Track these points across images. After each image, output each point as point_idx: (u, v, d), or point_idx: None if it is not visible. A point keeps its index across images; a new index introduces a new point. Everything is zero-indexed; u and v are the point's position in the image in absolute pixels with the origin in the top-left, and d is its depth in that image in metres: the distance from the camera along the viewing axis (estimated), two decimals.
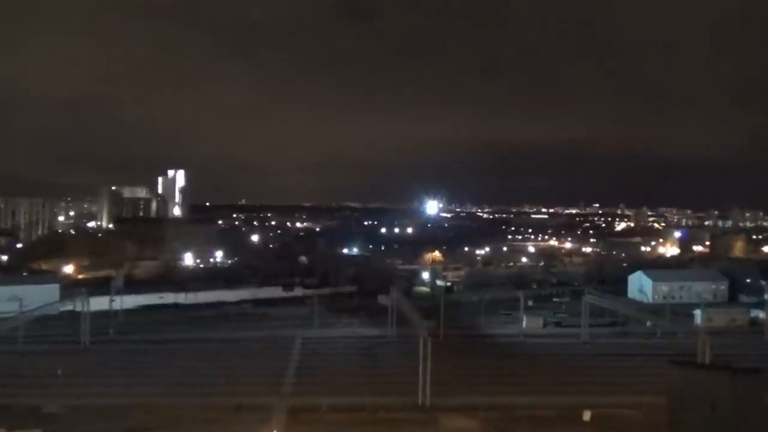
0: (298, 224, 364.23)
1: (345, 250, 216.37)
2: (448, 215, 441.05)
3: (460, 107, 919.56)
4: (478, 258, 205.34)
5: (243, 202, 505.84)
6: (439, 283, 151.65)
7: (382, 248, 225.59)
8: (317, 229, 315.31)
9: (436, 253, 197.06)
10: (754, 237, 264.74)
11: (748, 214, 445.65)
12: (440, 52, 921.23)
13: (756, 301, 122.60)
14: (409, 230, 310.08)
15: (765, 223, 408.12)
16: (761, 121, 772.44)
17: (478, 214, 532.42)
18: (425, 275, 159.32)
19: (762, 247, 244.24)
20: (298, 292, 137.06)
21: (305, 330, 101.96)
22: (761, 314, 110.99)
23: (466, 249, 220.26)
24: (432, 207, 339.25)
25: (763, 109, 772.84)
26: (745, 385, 51.94)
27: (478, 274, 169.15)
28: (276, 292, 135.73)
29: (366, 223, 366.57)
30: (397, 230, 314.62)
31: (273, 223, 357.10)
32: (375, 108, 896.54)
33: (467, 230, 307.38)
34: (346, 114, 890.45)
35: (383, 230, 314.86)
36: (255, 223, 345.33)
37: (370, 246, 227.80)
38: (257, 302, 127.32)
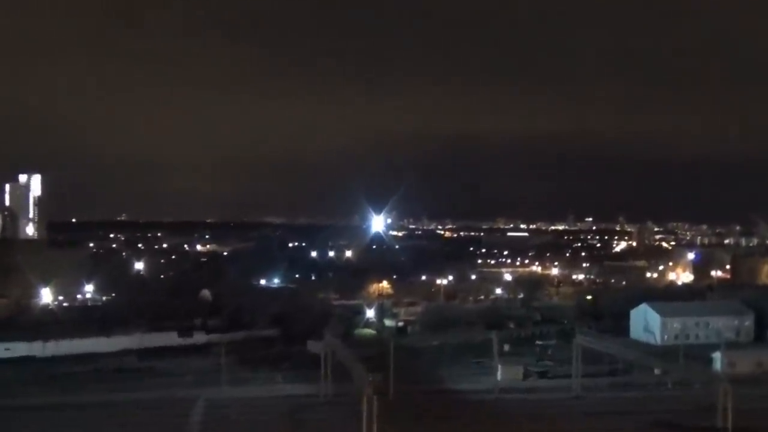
0: (199, 247, 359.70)
1: (263, 281, 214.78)
2: (400, 234, 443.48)
3: (416, 92, 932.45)
4: (440, 289, 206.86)
5: (123, 217, 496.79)
6: (388, 323, 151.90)
7: (313, 278, 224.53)
8: (225, 254, 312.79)
9: (384, 284, 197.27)
10: None
11: None
12: (399, 26, 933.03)
13: None
14: (349, 254, 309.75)
15: None
16: None
17: (438, 231, 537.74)
18: (370, 313, 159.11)
19: None
20: (200, 338, 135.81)
21: (209, 389, 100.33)
22: None
23: (424, 278, 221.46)
24: (378, 223, 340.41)
25: None
26: None
27: (440, 311, 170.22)
28: (169, 338, 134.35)
29: (292, 244, 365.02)
30: (332, 254, 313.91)
31: (165, 245, 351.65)
32: (304, 90, 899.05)
33: (425, 253, 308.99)
34: (263, 99, 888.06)
35: (314, 254, 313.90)
36: (140, 245, 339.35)
37: (297, 275, 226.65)
38: (144, 353, 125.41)
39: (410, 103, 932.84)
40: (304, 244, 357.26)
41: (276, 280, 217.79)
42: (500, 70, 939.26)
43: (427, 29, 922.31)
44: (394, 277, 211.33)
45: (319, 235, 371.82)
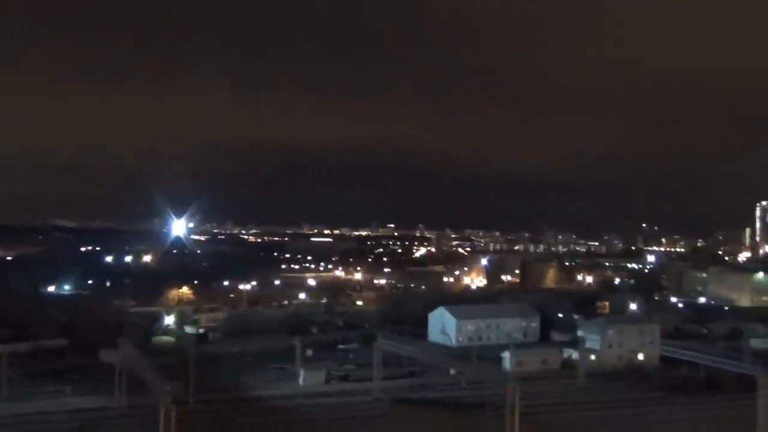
0: None
1: (52, 288, 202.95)
2: (202, 238, 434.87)
3: (222, 98, 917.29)
4: (242, 295, 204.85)
5: None
6: (188, 330, 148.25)
7: (108, 284, 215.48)
8: (9, 258, 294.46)
9: (185, 290, 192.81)
10: (567, 264, 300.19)
11: (560, 237, 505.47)
12: (203, 30, 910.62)
13: (569, 339, 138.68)
14: (147, 259, 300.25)
15: (578, 248, 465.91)
16: (576, 139, 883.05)
17: (242, 237, 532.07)
18: (169, 320, 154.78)
19: (575, 274, 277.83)
20: None
21: None
22: (575, 354, 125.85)
23: (226, 284, 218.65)
24: (179, 227, 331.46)
25: (578, 126, 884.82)
26: (468, 421, 72.03)
27: (242, 317, 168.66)
28: None
29: (85, 249, 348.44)
30: (129, 259, 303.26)
31: None
32: (103, 92, 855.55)
33: (228, 258, 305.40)
34: (50, 89, 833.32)
35: (109, 259, 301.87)
36: None
37: (90, 281, 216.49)
38: None
39: (215, 108, 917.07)
40: (98, 249, 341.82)
41: (67, 287, 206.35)
42: (310, 80, 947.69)
43: (231, 33, 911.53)
44: (195, 282, 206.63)
45: (116, 239, 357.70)
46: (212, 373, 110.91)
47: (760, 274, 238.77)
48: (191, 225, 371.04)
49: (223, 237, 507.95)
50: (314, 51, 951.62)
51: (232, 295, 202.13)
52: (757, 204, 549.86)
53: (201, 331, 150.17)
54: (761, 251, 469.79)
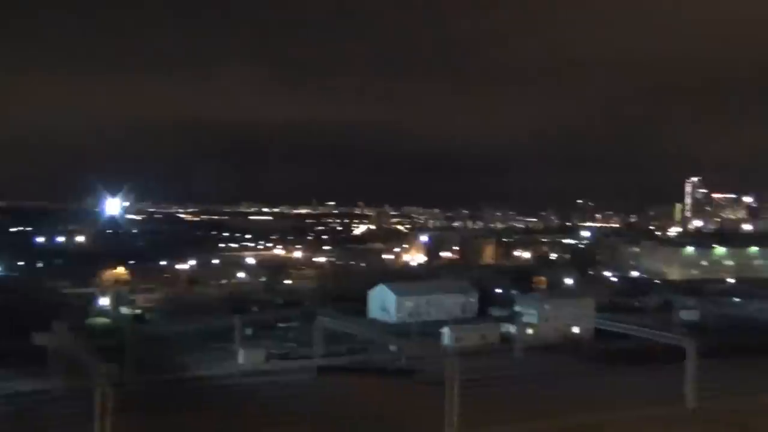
0: None
1: None
2: (138, 218, 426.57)
3: (162, 75, 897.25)
4: (181, 274, 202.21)
5: None
6: (124, 311, 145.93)
7: (40, 265, 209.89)
8: None
9: (120, 270, 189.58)
10: (505, 240, 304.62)
11: (499, 214, 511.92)
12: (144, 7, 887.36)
13: (507, 314, 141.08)
14: (81, 239, 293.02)
15: (516, 224, 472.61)
16: (514, 116, 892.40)
17: (180, 215, 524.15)
18: (104, 301, 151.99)
19: (513, 251, 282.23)
20: None
21: None
22: (512, 329, 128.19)
23: (164, 263, 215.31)
24: (114, 206, 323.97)
25: (516, 103, 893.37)
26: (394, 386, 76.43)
27: (181, 298, 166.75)
28: None
29: (14, 229, 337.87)
30: (62, 239, 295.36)
31: None
32: (23, 60, 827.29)
33: (165, 238, 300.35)
34: None
35: (41, 239, 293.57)
36: None
37: (22, 262, 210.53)
38: None
39: (152, 85, 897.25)
40: (30, 229, 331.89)
41: None
42: (248, 58, 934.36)
43: (170, 9, 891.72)
44: (132, 262, 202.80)
45: (48, 219, 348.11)
46: (149, 354, 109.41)
47: (690, 248, 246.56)
48: (127, 204, 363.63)
49: (160, 216, 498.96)
50: (251, 28, 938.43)
51: (169, 275, 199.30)
52: (686, 180, 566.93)
53: (137, 311, 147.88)
54: (691, 226, 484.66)
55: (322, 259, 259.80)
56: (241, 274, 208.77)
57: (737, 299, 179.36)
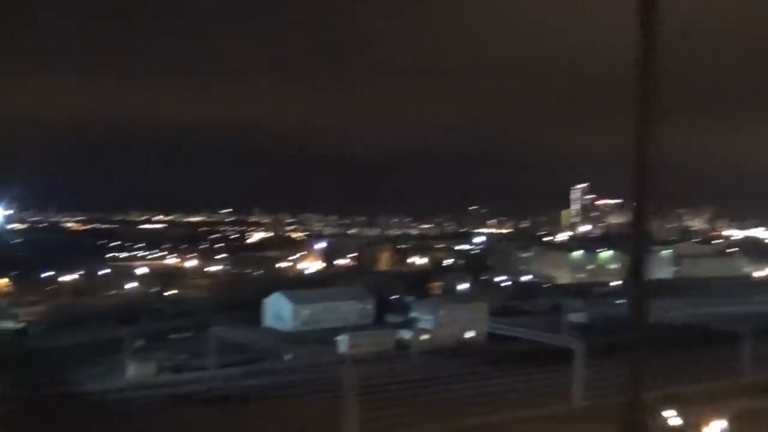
0: None
1: None
2: (22, 227, 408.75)
3: (40, 73, 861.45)
4: (67, 285, 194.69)
5: None
6: (5, 325, 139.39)
7: None
8: None
9: (1, 283, 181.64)
10: (401, 246, 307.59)
11: (395, 220, 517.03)
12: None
13: (403, 320, 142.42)
14: None
15: (412, 231, 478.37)
16: (409, 122, 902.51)
17: (66, 224, 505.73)
18: None
19: (409, 257, 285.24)
20: None
21: None
22: (408, 335, 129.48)
23: (49, 274, 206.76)
24: None
25: (412, 108, 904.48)
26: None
27: (67, 309, 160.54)
28: None
29: None
30: None
31: None
32: None
33: (50, 248, 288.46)
34: None
35: None
36: None
37: None
38: None
39: (41, 84, 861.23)
40: None
41: None
42: (144, 61, 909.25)
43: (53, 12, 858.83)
44: (14, 274, 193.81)
45: None
46: (33, 369, 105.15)
47: (577, 252, 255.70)
48: (8, 212, 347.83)
49: (46, 225, 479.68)
50: (140, 22, 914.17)
51: (54, 287, 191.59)
52: (573, 187, 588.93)
53: (20, 325, 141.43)
54: (578, 231, 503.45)
55: (216, 268, 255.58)
56: (131, 285, 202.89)
57: (621, 301, 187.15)
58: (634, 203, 19.48)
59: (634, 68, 19.09)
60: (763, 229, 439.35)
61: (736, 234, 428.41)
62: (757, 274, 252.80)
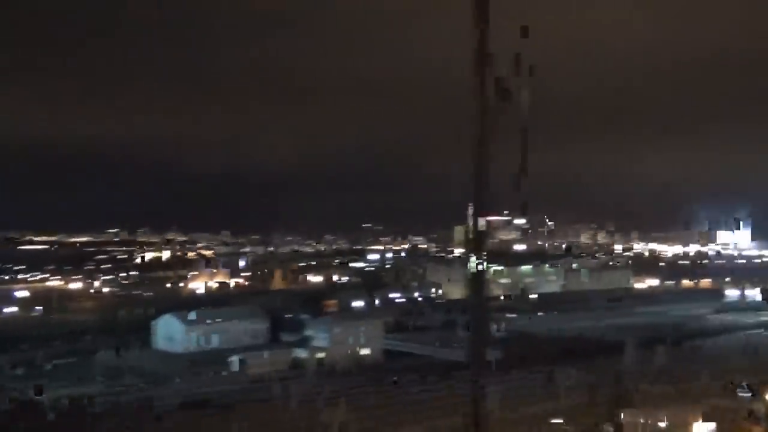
0: None
1: None
2: None
3: None
4: None
5: None
6: None
7: None
8: None
9: None
10: (295, 264, 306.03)
11: (289, 238, 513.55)
12: None
13: (298, 339, 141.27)
14: None
15: (307, 249, 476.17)
16: (303, 140, 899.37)
17: None
18: None
19: (304, 275, 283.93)
20: None
21: None
22: (303, 353, 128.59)
23: None
24: None
25: (306, 126, 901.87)
26: None
27: None
28: None
29: None
30: None
31: None
32: None
33: None
34: None
35: None
36: None
37: None
38: None
39: None
40: None
41: None
42: (56, 75, 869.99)
43: None
44: None
45: None
46: None
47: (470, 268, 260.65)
48: None
49: None
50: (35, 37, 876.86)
51: None
52: (469, 204, 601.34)
53: None
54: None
55: (103, 289, 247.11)
56: (10, 309, 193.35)
57: (512, 315, 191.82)
58: (473, 217, 19.77)
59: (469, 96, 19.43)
60: (644, 244, 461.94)
61: (619, 248, 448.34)
62: (638, 285, 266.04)
